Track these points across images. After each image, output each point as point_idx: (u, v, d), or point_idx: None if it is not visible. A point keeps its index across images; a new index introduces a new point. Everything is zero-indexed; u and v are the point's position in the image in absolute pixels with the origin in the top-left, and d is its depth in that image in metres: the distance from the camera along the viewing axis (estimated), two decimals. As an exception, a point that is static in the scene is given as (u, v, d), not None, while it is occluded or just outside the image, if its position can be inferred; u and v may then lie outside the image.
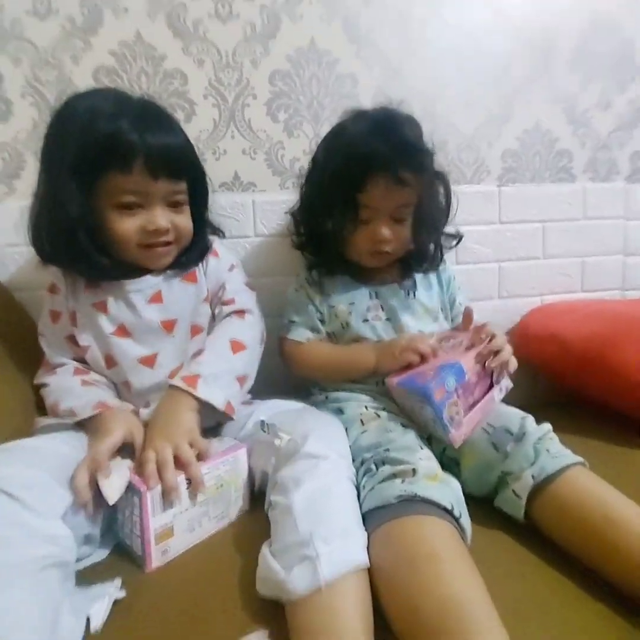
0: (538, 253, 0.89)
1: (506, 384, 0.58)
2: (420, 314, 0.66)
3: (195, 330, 0.59)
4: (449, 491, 0.42)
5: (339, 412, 0.59)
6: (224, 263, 0.63)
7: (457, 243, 0.69)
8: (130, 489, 0.43)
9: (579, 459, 0.47)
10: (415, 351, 0.55)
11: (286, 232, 0.75)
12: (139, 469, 0.44)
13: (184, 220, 0.55)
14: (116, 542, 0.46)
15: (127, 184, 0.48)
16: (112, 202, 0.49)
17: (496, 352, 0.54)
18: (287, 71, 0.78)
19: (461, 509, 0.41)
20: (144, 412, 0.54)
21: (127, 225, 0.50)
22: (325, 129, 0.79)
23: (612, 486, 0.44)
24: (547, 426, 0.51)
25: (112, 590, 0.38)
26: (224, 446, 0.50)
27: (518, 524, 0.46)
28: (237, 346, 0.56)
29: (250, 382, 0.57)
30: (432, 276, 0.69)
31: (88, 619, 0.35)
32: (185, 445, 0.45)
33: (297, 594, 0.33)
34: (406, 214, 0.60)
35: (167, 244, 0.54)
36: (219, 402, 0.50)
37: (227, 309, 0.60)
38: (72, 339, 0.56)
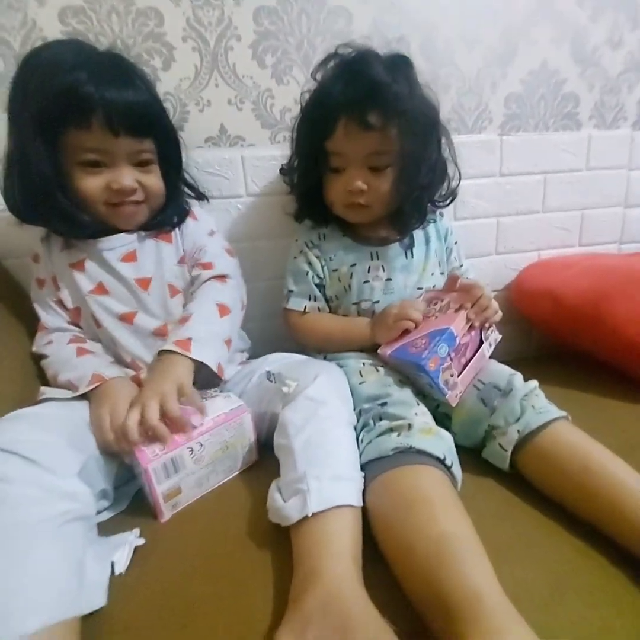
0: (538, 207, 0.87)
1: (495, 337, 0.59)
2: (419, 271, 0.66)
3: (173, 291, 0.59)
4: (441, 442, 0.44)
5: (339, 366, 0.60)
6: (203, 226, 0.63)
7: (451, 201, 0.66)
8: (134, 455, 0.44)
9: (562, 413, 0.50)
10: (408, 319, 0.55)
11: (279, 190, 0.72)
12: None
13: (152, 180, 0.54)
14: (131, 496, 0.49)
15: (86, 141, 0.48)
16: (75, 159, 0.49)
17: (484, 310, 0.55)
18: (273, 8, 0.70)
19: (453, 458, 0.44)
20: (143, 375, 0.54)
21: (92, 184, 0.50)
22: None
23: (593, 439, 0.46)
24: (533, 383, 0.53)
25: (131, 538, 0.41)
26: (228, 407, 0.51)
27: (505, 472, 0.49)
28: (223, 310, 0.57)
29: (233, 346, 0.58)
30: (431, 229, 0.68)
31: (112, 565, 0.39)
32: (172, 395, 0.45)
33: (289, 520, 0.38)
34: (383, 162, 0.57)
35: (136, 203, 0.54)
36: (212, 363, 0.51)
37: (206, 273, 0.59)
38: (61, 304, 0.57)
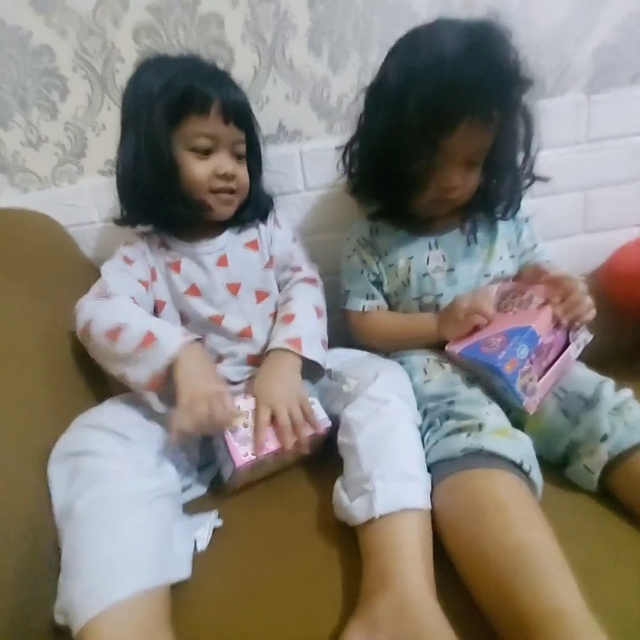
0: (636, 174, 0.74)
1: (584, 337, 0.52)
2: (483, 257, 0.60)
3: (260, 295, 0.63)
4: (518, 445, 0.40)
5: (401, 363, 0.58)
6: (287, 234, 0.67)
7: (531, 184, 0.59)
8: (227, 449, 0.46)
9: None
10: (480, 312, 0.51)
11: (338, 183, 0.71)
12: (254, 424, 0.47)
13: (243, 172, 0.59)
14: (209, 482, 0.53)
15: (203, 127, 0.54)
16: (189, 145, 0.54)
17: (575, 306, 0.48)
18: (326, -8, 0.69)
19: (531, 463, 0.40)
20: (218, 368, 0.58)
21: (201, 169, 0.55)
22: (374, 57, 0.71)
23: None
24: (626, 393, 0.46)
25: (212, 518, 0.45)
26: (313, 418, 0.49)
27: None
28: (319, 312, 0.61)
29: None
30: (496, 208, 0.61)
31: (195, 542, 0.42)
32: (298, 409, 0.48)
33: (357, 520, 0.38)
34: (481, 157, 0.52)
35: (231, 192, 0.58)
36: (320, 360, 0.54)
37: (299, 275, 0.64)
38: (147, 285, 0.59)
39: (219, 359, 0.60)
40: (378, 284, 0.64)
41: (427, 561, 0.35)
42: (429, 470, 0.41)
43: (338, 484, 0.43)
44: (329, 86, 0.73)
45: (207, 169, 0.55)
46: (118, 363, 0.48)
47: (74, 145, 0.75)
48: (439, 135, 0.48)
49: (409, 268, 0.61)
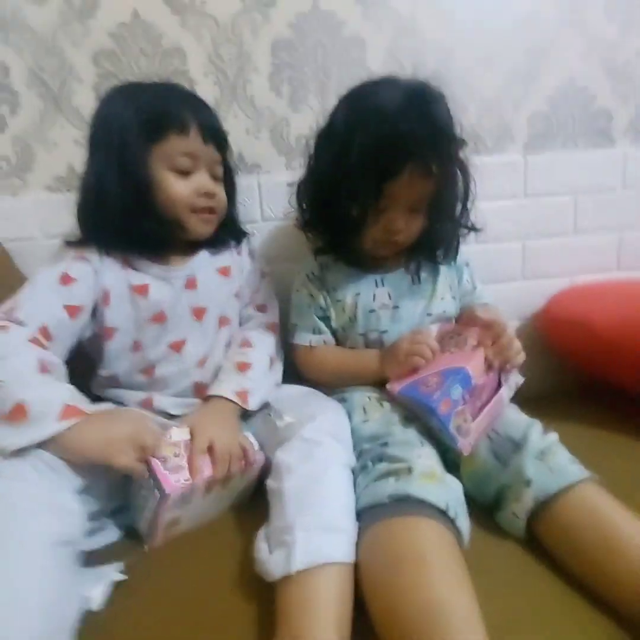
0: (568, 228, 0.81)
1: (516, 380, 0.54)
2: (427, 296, 0.62)
3: (223, 321, 0.61)
4: (446, 491, 0.40)
5: (342, 400, 0.58)
6: (258, 267, 0.68)
7: (468, 233, 0.62)
8: (153, 479, 0.43)
9: (586, 474, 0.43)
10: (419, 354, 0.52)
11: (293, 215, 0.72)
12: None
13: (222, 193, 0.59)
14: (128, 523, 0.48)
15: (183, 146, 0.53)
16: (169, 164, 0.53)
17: (504, 350, 0.50)
18: (290, 40, 0.73)
19: (458, 509, 0.39)
20: (157, 399, 0.56)
21: (182, 188, 0.54)
22: (332, 101, 0.74)
23: (623, 506, 0.40)
24: (552, 436, 0.47)
25: (111, 574, 0.40)
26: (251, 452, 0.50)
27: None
28: (274, 362, 0.62)
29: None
30: (438, 251, 0.63)
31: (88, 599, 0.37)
32: (236, 442, 0.49)
33: (272, 576, 0.35)
34: (423, 204, 0.55)
35: (211, 211, 0.58)
36: (257, 407, 0.56)
37: (261, 318, 0.66)
38: (77, 311, 0.51)
39: (164, 386, 0.57)
40: (325, 319, 0.64)
41: (342, 620, 0.33)
42: (358, 516, 0.40)
43: (261, 534, 0.40)
44: (288, 125, 0.76)
45: (187, 187, 0.54)
46: None
47: (19, 159, 0.72)
48: (382, 180, 0.51)
49: (356, 304, 0.61)
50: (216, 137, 0.57)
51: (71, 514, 0.39)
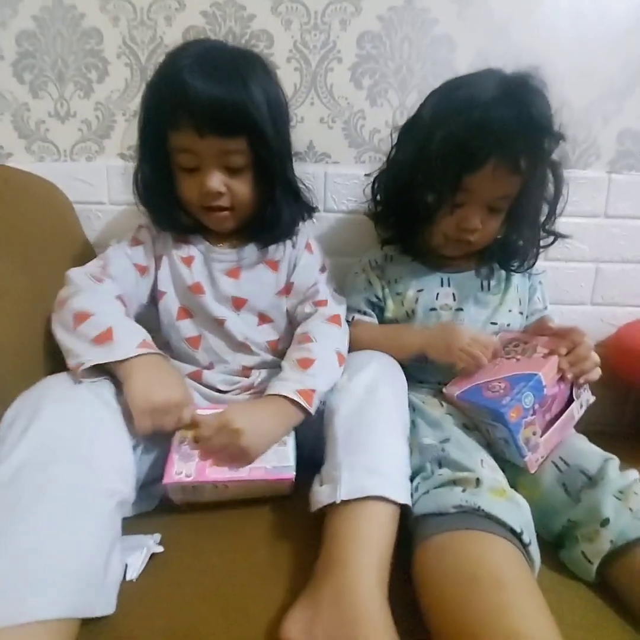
0: (648, 256, 0.75)
1: (587, 397, 0.50)
2: (494, 305, 0.58)
3: (263, 319, 0.59)
4: (518, 512, 0.36)
5: None
6: (316, 261, 0.62)
7: (553, 242, 0.58)
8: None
9: None
10: (476, 359, 0.48)
11: (358, 209, 0.71)
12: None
13: (239, 186, 0.51)
14: (159, 498, 0.46)
15: (178, 142, 0.49)
16: (176, 161, 0.50)
17: (581, 361, 0.46)
18: (377, 33, 0.72)
19: (531, 535, 0.35)
20: (206, 374, 0.55)
21: (189, 187, 0.51)
22: (412, 99, 0.73)
23: None
24: (633, 475, 0.42)
25: (151, 543, 0.39)
26: (272, 463, 0.44)
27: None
28: (340, 358, 0.53)
29: None
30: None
31: (126, 566, 0.36)
32: (265, 448, 0.45)
33: (318, 503, 0.38)
34: (505, 204, 0.52)
35: (223, 209, 0.52)
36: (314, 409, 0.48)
37: (322, 310, 0.57)
38: (144, 271, 0.55)
39: (210, 365, 0.56)
40: (377, 307, 0.62)
41: (380, 549, 0.34)
42: (417, 522, 0.37)
43: (318, 474, 0.42)
44: (364, 118, 0.75)
45: (194, 186, 0.50)
46: (71, 336, 0.45)
47: (100, 125, 0.74)
48: (462, 171, 0.48)
49: (417, 299, 0.59)
50: (220, 122, 0.46)
51: (128, 473, 0.39)
